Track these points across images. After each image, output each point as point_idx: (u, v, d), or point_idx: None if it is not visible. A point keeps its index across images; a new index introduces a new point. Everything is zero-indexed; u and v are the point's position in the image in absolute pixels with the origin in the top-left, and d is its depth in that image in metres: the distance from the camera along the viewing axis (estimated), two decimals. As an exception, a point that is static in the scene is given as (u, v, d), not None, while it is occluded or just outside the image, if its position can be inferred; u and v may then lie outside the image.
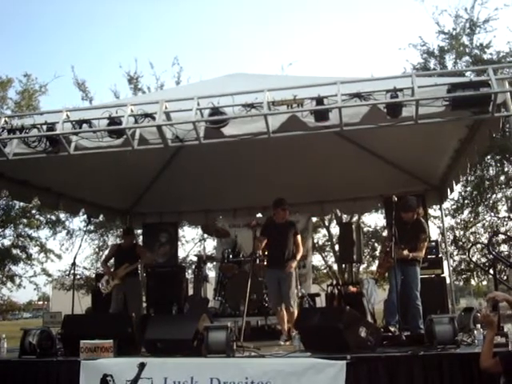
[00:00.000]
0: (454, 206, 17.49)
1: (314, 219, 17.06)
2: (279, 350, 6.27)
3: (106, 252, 14.47)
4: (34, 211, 19.65)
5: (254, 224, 8.09)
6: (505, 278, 11.77)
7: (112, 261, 9.59)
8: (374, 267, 20.57)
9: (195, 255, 12.91)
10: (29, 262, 20.60)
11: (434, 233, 15.22)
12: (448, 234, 16.66)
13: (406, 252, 7.06)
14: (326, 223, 20.74)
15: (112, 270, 9.28)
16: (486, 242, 15.27)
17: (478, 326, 5.73)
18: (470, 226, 18.20)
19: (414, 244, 7.23)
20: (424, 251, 7.49)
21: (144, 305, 10.44)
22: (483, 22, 15.57)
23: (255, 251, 8.32)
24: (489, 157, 15.31)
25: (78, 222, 21.65)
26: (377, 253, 19.99)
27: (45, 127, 6.13)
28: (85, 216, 12.07)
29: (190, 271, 16.83)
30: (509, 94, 5.55)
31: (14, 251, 20.33)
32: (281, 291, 7.62)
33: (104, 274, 9.27)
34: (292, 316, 7.40)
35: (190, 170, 10.07)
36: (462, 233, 18.33)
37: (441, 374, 5.10)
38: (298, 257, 7.86)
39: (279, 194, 10.59)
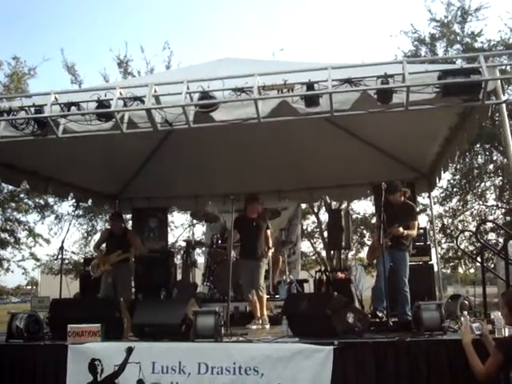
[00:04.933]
0: (443, 194, 17.61)
1: (304, 206, 17.10)
2: (267, 336, 6.29)
3: (98, 236, 14.41)
4: (22, 195, 19.51)
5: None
6: (492, 266, 11.83)
7: (104, 245, 9.49)
8: (362, 254, 20.68)
9: (184, 240, 12.88)
10: (17, 246, 20.47)
11: (422, 220, 15.31)
12: (436, 221, 16.75)
13: (400, 229, 7.11)
14: (316, 210, 20.77)
15: (104, 254, 9.19)
16: (474, 230, 15.34)
17: (465, 312, 5.77)
18: (459, 214, 18.32)
19: (404, 225, 7.25)
20: (416, 230, 7.55)
21: (132, 290, 10.41)
22: (475, 10, 15.64)
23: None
24: (478, 145, 15.39)
25: (66, 206, 21.50)
26: (365, 239, 20.09)
27: (33, 109, 6.03)
28: (73, 200, 12.00)
29: (178, 256, 16.80)
30: (499, 81, 5.57)
31: (2, 235, 20.19)
32: (253, 279, 7.95)
33: (94, 258, 9.22)
34: (263, 300, 7.89)
35: (179, 155, 10.01)
36: (450, 221, 18.46)
37: (428, 360, 5.13)
38: (272, 250, 8.50)
39: (269, 181, 10.70)
